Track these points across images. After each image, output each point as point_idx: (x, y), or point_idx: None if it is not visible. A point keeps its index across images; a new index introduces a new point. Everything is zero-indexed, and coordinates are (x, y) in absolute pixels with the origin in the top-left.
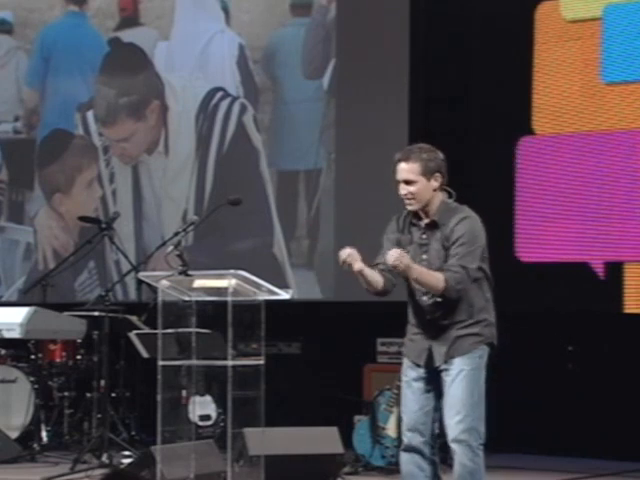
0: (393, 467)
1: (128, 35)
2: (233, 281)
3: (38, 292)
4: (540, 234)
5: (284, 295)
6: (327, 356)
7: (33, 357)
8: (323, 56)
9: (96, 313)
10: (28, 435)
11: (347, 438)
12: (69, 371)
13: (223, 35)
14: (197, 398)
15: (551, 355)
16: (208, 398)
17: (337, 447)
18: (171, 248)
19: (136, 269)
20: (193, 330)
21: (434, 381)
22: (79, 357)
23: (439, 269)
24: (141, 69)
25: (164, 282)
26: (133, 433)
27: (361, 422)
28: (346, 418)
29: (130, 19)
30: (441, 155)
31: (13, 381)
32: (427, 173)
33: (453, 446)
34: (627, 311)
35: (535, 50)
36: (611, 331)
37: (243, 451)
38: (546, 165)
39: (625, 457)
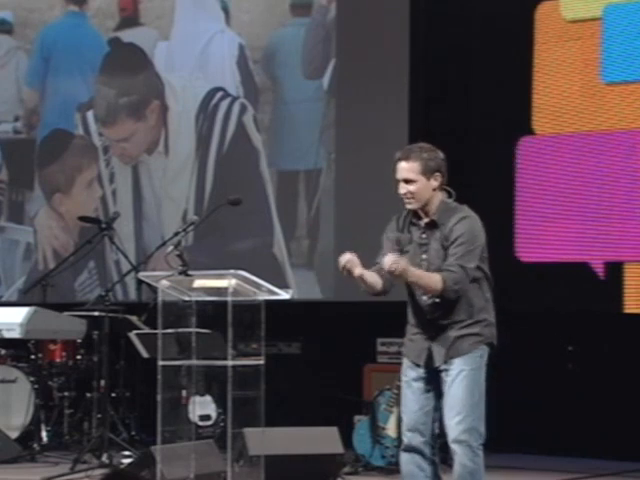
0: (393, 467)
1: (128, 35)
2: (233, 281)
3: (38, 292)
4: (540, 234)
5: (284, 295)
6: (327, 356)
7: (33, 357)
8: (323, 56)
9: (96, 313)
10: (28, 435)
11: (347, 438)
12: (69, 371)
13: (223, 35)
14: (197, 398)
15: (551, 355)
16: (208, 398)
17: (337, 447)
18: (171, 248)
19: (136, 269)
20: (193, 330)
21: (434, 381)
22: (79, 357)
23: (439, 268)
24: (141, 69)
25: (164, 282)
26: (133, 433)
27: (361, 422)
28: (346, 418)
29: (130, 19)
30: (441, 155)
31: (13, 381)
32: (427, 172)
33: (453, 446)
34: (627, 311)
35: (535, 50)
36: (611, 331)
37: (243, 451)
38: (546, 165)
39: (625, 457)
